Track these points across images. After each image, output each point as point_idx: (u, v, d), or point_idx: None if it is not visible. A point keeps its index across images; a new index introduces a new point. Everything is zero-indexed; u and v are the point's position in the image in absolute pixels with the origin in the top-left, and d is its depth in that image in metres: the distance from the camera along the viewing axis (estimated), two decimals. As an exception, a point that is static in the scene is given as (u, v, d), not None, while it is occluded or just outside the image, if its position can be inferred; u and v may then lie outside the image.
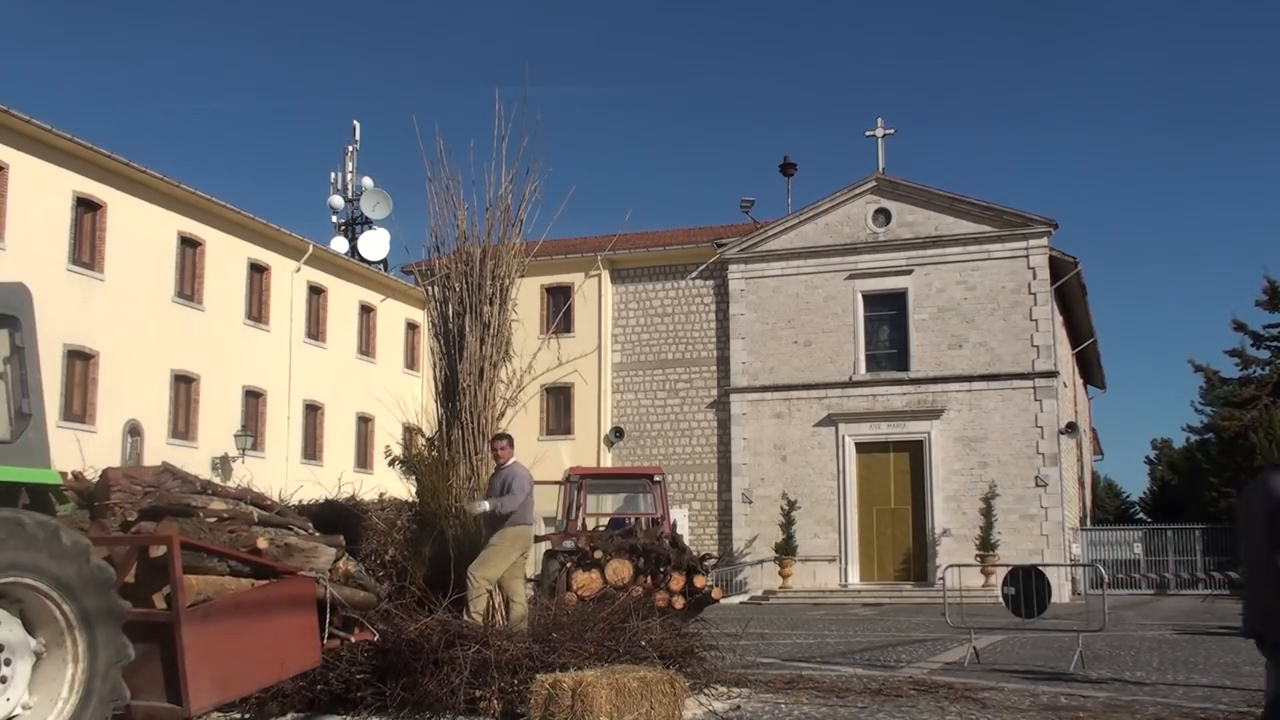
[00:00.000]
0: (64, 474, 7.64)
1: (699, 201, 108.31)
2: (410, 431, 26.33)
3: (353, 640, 8.56)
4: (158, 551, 7.48)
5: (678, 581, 15.49)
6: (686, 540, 22.48)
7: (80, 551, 6.24)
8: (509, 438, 10.81)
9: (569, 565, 15.26)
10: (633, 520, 18.13)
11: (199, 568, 7.66)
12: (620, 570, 15.16)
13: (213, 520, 8.18)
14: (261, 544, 8.11)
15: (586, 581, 14.09)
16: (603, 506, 24.81)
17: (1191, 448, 51.70)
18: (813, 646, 17.37)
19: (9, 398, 6.42)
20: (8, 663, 6.12)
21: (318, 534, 8.68)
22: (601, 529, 18.20)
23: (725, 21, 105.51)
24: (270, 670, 7.82)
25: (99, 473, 8.88)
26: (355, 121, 43.53)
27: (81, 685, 6.22)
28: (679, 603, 15.31)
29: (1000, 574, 31.84)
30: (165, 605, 7.40)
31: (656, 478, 19.87)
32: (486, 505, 10.36)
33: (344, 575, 8.54)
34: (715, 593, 16.79)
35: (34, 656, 6.21)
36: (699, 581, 15.83)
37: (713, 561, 18.90)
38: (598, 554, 15.20)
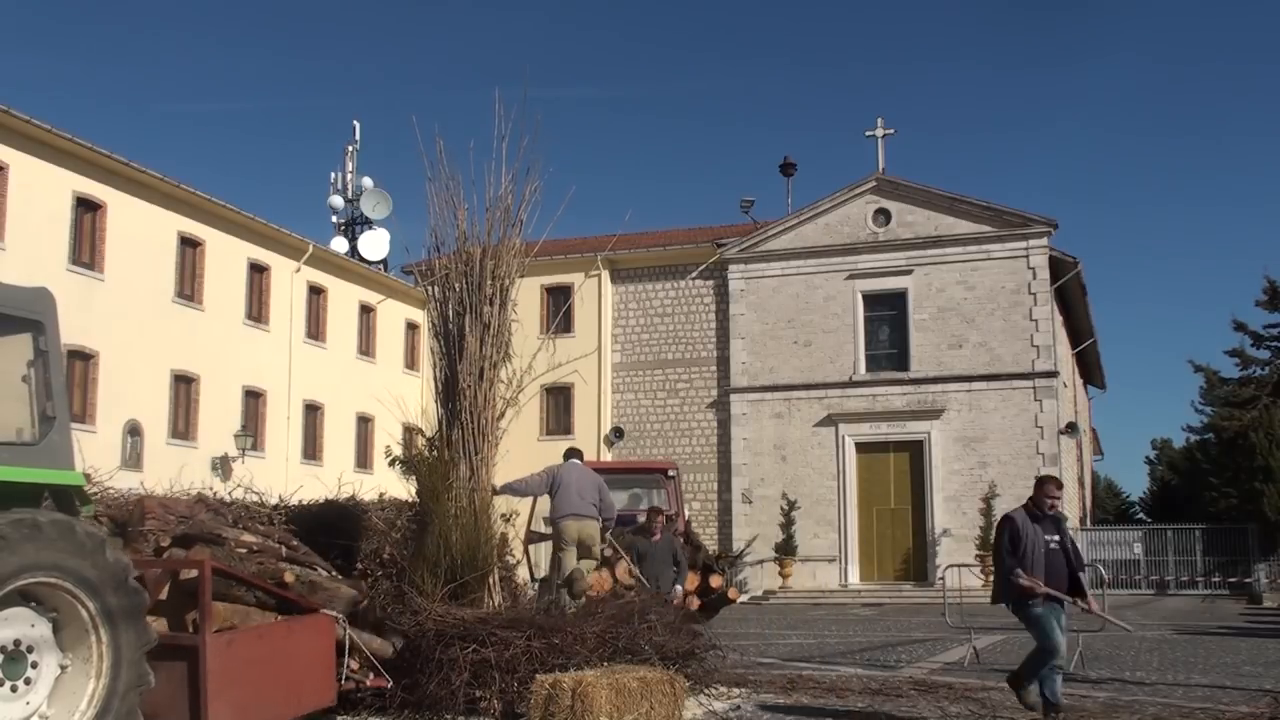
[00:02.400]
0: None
1: (699, 201, 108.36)
2: (410, 431, 26.31)
3: (368, 684, 8.61)
4: (189, 574, 7.62)
5: (692, 581, 14.67)
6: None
7: (96, 545, 6.29)
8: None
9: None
10: (684, 523, 17.18)
11: (227, 595, 7.86)
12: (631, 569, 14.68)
13: (243, 551, 8.33)
14: (288, 577, 8.29)
15: (596, 581, 13.64)
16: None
17: (1191, 448, 51.67)
18: (813, 646, 17.38)
19: (34, 400, 6.48)
20: (34, 665, 6.17)
21: (340, 577, 8.78)
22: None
23: (725, 22, 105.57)
24: (287, 704, 7.90)
25: (136, 500, 9.09)
26: (355, 121, 43.48)
27: (100, 701, 6.26)
28: (694, 603, 14.51)
29: (1000, 574, 31.53)
30: (191, 629, 7.52)
31: (671, 473, 18.76)
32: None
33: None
34: (731, 593, 15.87)
35: (59, 668, 6.26)
36: (714, 581, 15.00)
37: (732, 557, 17.62)
38: (608, 552, 14.76)
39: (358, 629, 8.48)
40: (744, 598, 32.73)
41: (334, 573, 9.11)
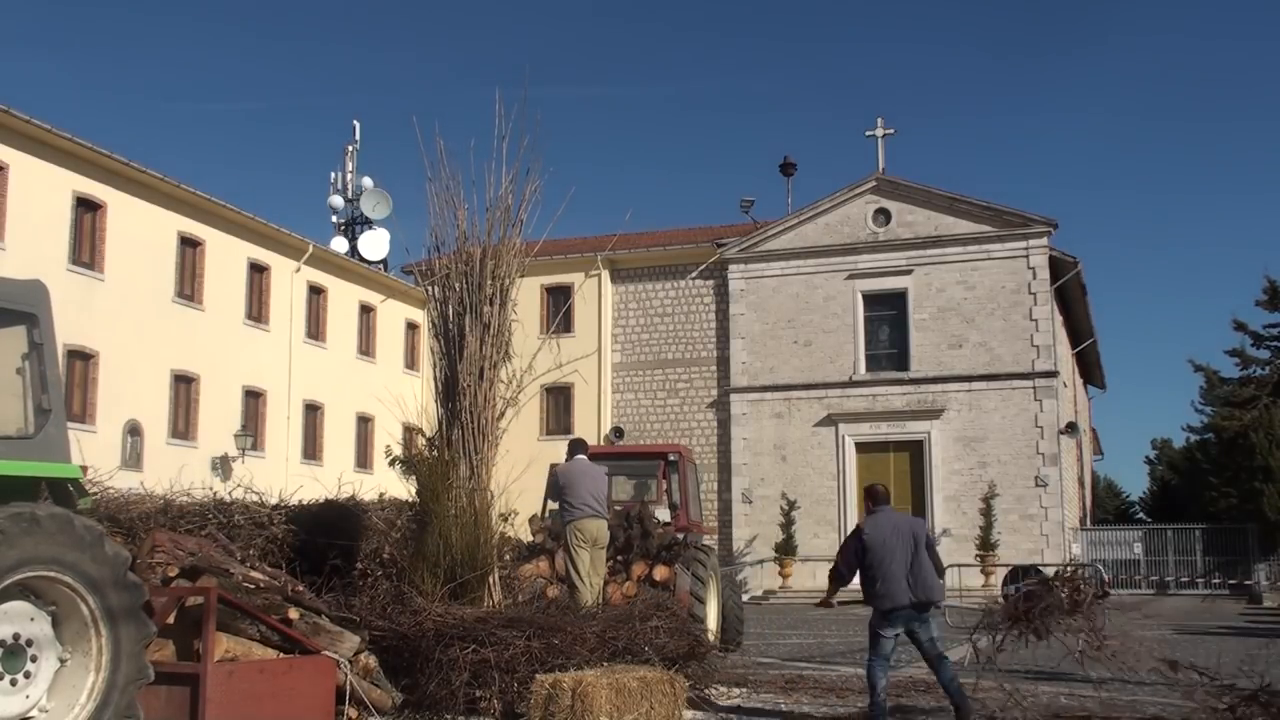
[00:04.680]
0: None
1: (699, 201, 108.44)
2: (410, 431, 26.32)
3: None
4: (195, 602, 7.63)
5: (639, 571, 13.38)
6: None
7: (95, 539, 6.28)
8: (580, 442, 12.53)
9: (511, 557, 13.33)
10: (638, 507, 15.05)
11: (231, 627, 7.87)
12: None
13: (250, 587, 8.35)
14: (293, 614, 8.29)
15: (531, 572, 13.00)
16: (616, 493, 21.40)
17: (1191, 448, 51.62)
18: (813, 646, 17.37)
19: (29, 393, 6.47)
20: (34, 659, 6.17)
21: (345, 624, 8.77)
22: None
23: (725, 21, 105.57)
24: None
25: (146, 533, 9.14)
26: (355, 121, 43.43)
27: (100, 695, 6.25)
28: (631, 590, 13.10)
29: (1000, 574, 31.68)
30: (195, 658, 7.56)
31: (672, 457, 16.51)
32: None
33: (364, 669, 8.63)
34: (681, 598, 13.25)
35: (59, 662, 6.26)
36: (659, 573, 13.40)
37: (681, 545, 14.70)
38: (549, 543, 13.29)
39: (358, 676, 8.45)
40: (744, 598, 32.63)
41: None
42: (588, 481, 12.00)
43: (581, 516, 11.83)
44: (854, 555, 9.90)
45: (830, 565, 10.96)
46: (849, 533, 10.61)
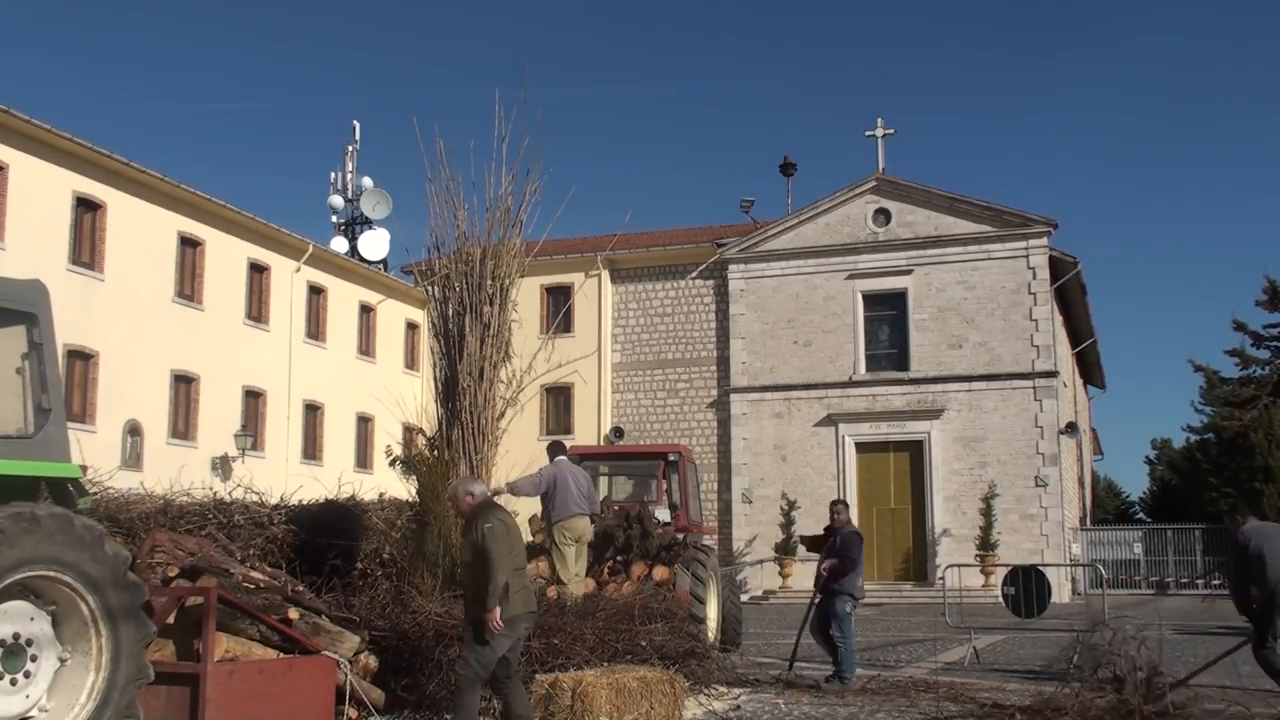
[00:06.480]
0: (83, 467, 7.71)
1: (699, 201, 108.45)
2: (410, 431, 26.31)
3: None
4: (195, 602, 7.64)
5: (639, 571, 13.28)
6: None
7: (95, 539, 6.28)
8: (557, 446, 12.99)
9: None
10: (638, 507, 14.73)
11: (231, 627, 7.88)
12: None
13: (250, 587, 8.36)
14: (293, 614, 8.30)
15: (530, 573, 12.91)
16: (616, 493, 21.06)
17: (1191, 448, 51.64)
18: (813, 646, 17.35)
19: (29, 393, 6.47)
20: (34, 659, 6.17)
21: (345, 624, 8.77)
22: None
23: (725, 21, 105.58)
24: None
25: (146, 533, 9.15)
26: (355, 121, 43.45)
27: (100, 695, 6.25)
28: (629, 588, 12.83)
29: (1000, 574, 31.64)
30: (195, 658, 7.57)
31: (672, 457, 16.28)
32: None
33: (364, 669, 8.62)
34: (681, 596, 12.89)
35: (59, 662, 6.26)
36: (659, 574, 13.16)
37: (682, 545, 14.05)
38: (548, 543, 12.92)
39: (358, 676, 8.45)
40: (744, 598, 32.60)
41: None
42: (573, 483, 12.34)
43: (569, 516, 12.15)
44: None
45: (832, 562, 13.43)
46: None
